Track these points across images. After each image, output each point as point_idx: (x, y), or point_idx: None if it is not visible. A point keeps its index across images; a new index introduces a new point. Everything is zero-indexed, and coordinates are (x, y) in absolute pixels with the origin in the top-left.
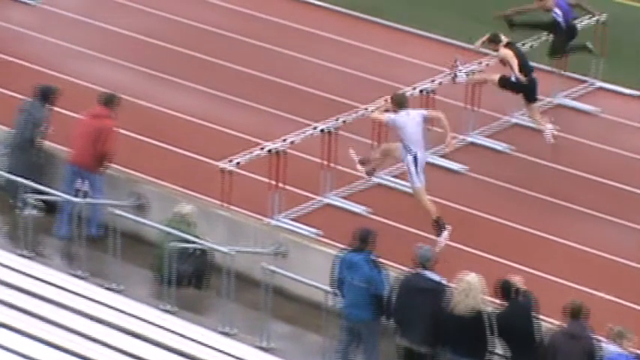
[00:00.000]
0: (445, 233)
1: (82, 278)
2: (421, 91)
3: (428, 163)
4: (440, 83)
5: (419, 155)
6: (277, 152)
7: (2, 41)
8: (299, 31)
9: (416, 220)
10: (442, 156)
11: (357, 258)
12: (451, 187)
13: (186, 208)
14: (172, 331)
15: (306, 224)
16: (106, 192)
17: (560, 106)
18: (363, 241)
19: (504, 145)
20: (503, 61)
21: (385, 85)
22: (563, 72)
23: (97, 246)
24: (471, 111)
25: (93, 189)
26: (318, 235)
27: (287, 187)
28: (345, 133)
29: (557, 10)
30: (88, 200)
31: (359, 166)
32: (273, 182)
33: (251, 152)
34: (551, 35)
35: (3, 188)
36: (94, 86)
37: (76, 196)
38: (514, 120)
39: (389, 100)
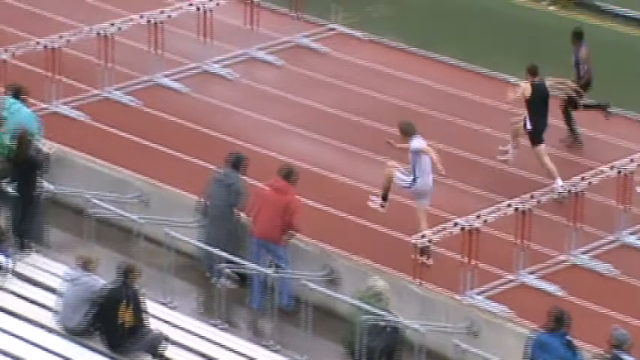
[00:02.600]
0: (382, 203)
1: (272, 349)
2: None
3: None
4: None
5: (418, 181)
6: (470, 229)
7: (201, 114)
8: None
9: (611, 301)
10: None
11: (551, 339)
12: None
13: (378, 282)
14: None
15: (499, 302)
16: (299, 264)
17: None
18: (558, 321)
19: None
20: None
21: (579, 163)
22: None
23: (288, 318)
24: None
25: (279, 260)
26: (510, 313)
27: (479, 263)
28: (537, 212)
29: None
30: (280, 273)
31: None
32: (465, 259)
33: (443, 229)
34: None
35: (199, 259)
36: (286, 158)
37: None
38: None
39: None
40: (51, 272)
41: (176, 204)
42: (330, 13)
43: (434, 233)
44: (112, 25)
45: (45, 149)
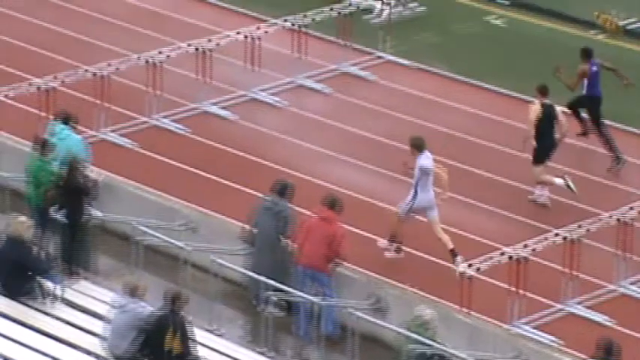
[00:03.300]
0: (395, 254)
1: None
2: None
3: None
4: None
5: (419, 197)
6: (518, 258)
7: (248, 141)
8: None
9: None
10: None
11: None
12: None
13: (426, 312)
14: None
15: (547, 332)
16: (345, 293)
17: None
18: (607, 352)
19: None
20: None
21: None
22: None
23: (334, 346)
24: None
25: (325, 288)
26: (558, 344)
27: (527, 293)
28: (588, 241)
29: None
30: (327, 301)
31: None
32: (513, 288)
33: (491, 257)
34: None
35: (246, 286)
36: (333, 186)
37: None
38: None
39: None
40: (98, 299)
41: (223, 231)
42: (377, 41)
43: (481, 262)
44: (161, 53)
45: (93, 176)
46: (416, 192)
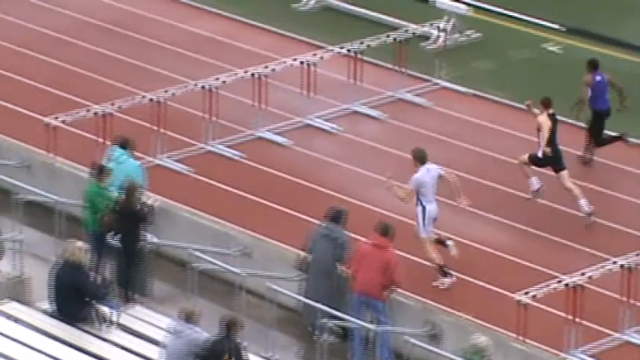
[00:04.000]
0: (448, 280)
1: None
2: None
3: None
4: None
5: (428, 208)
6: (574, 286)
7: (303, 167)
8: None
9: None
10: None
11: None
12: None
13: (481, 339)
14: None
15: None
16: (400, 320)
17: None
18: None
19: None
20: (538, 127)
21: None
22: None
23: None
24: None
25: (379, 315)
26: None
27: (583, 321)
28: None
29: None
30: (382, 327)
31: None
32: (570, 316)
33: (548, 285)
34: None
35: (301, 313)
36: (388, 213)
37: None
38: None
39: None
40: (154, 324)
41: (278, 257)
42: (433, 67)
43: (538, 290)
44: (217, 79)
45: (149, 201)
46: (423, 206)
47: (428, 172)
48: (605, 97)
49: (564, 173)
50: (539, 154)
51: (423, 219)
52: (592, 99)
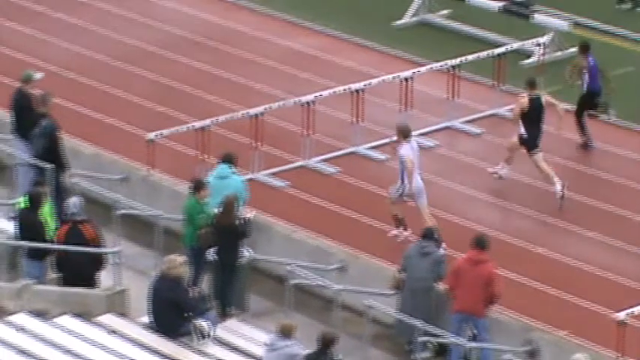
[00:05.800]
0: (396, 232)
1: None
2: None
3: None
4: None
5: (406, 184)
6: None
7: None
8: None
9: None
10: None
11: None
12: None
13: (578, 356)
14: None
15: None
16: (499, 338)
17: None
18: None
19: None
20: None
21: None
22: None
23: None
24: None
25: (480, 330)
26: None
27: None
28: None
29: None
30: (482, 344)
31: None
32: None
33: None
34: None
35: (398, 330)
36: (485, 229)
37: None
38: None
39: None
40: (251, 339)
41: (374, 273)
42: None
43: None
44: (315, 95)
45: (246, 216)
46: (402, 180)
47: (412, 149)
48: (597, 78)
49: (537, 157)
50: (524, 135)
51: (400, 192)
52: (591, 81)
